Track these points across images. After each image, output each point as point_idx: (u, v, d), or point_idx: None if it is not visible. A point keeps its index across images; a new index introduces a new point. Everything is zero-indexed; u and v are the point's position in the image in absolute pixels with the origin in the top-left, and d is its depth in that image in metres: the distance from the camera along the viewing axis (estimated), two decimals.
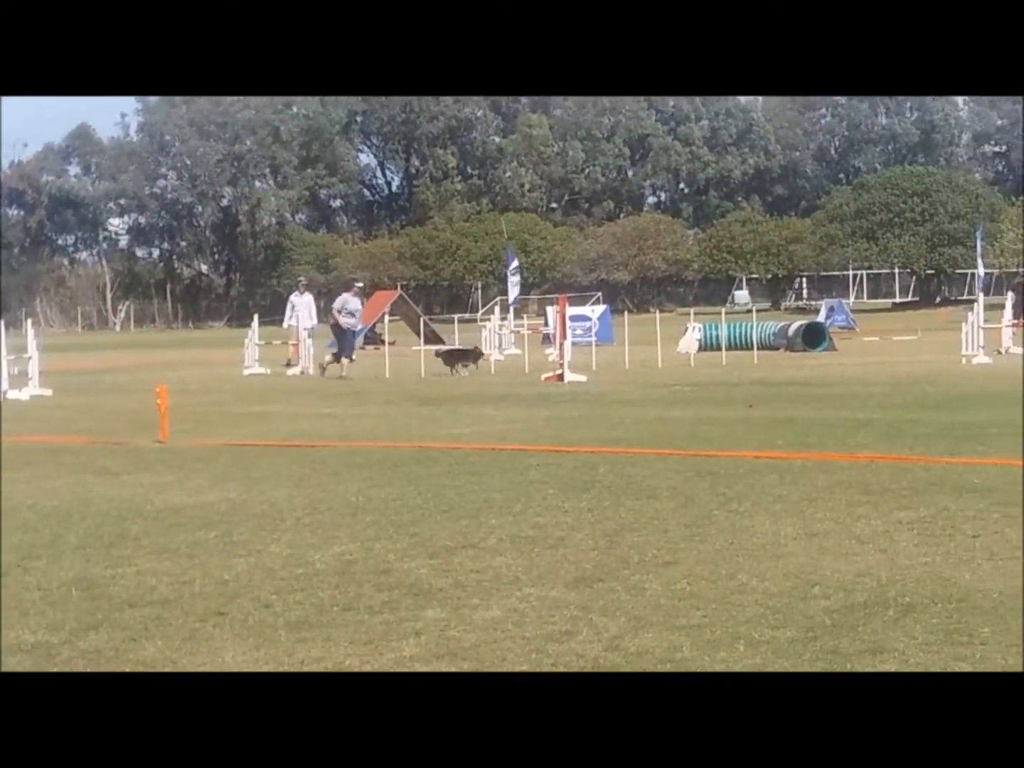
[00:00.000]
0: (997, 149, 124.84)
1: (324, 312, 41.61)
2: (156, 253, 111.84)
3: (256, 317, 33.02)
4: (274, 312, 60.07)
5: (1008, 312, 32.94)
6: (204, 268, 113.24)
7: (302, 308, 33.97)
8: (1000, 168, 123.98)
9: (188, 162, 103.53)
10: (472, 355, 29.06)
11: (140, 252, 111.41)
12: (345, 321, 29.14)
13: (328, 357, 29.29)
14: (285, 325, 34.69)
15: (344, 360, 28.40)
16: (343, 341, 29.09)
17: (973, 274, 76.26)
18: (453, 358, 28.41)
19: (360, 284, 33.56)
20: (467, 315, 72.63)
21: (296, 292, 35.56)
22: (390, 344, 33.99)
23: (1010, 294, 37.31)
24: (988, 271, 74.11)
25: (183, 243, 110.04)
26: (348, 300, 29.66)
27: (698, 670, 5.24)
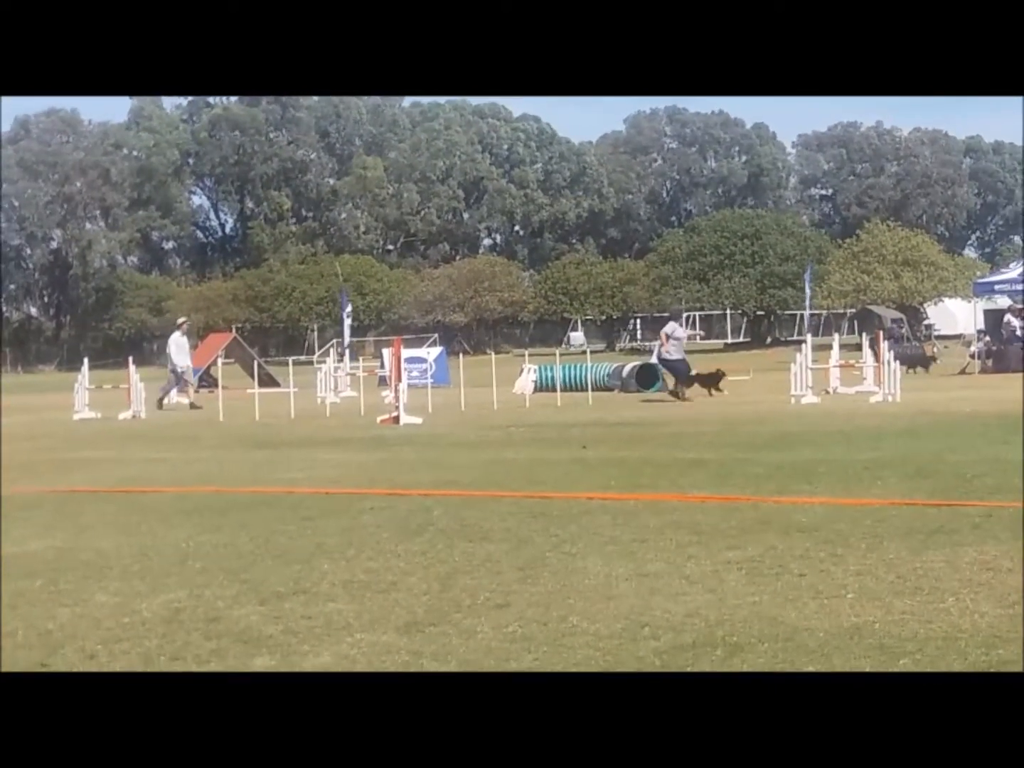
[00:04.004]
0: (824, 192, 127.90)
1: (158, 353, 41.10)
2: None
3: (87, 361, 32.50)
4: (106, 356, 59.13)
5: (835, 352, 33.61)
6: (34, 311, 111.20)
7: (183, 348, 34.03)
8: (827, 211, 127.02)
9: (16, 203, 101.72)
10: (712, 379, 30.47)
11: None
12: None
13: (670, 388, 29.54)
14: (180, 367, 33.99)
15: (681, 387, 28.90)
16: (678, 368, 29.39)
17: (802, 315, 77.92)
18: (707, 382, 29.89)
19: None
20: (303, 357, 72.22)
21: (178, 332, 35.03)
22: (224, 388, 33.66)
23: (836, 336, 38.10)
24: (816, 312, 75.64)
25: (11, 286, 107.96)
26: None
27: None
